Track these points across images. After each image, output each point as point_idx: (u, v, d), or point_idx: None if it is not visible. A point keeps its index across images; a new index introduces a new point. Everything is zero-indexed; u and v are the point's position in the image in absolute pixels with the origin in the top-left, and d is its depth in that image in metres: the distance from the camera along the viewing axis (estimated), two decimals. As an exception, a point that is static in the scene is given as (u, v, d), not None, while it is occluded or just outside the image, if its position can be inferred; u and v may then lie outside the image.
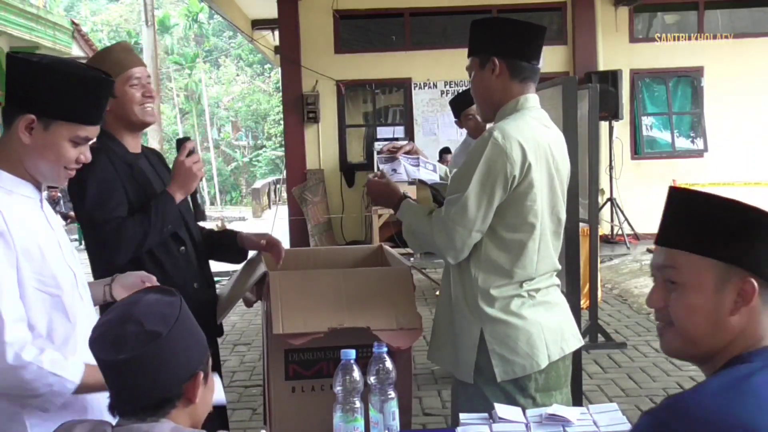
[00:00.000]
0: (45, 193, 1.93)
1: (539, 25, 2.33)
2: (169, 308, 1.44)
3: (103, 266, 2.40)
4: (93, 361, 1.51)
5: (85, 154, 1.86)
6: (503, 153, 2.16)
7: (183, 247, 2.55)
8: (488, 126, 2.42)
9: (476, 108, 2.63)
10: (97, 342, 1.42)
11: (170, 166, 2.60)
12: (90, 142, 1.88)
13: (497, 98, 2.31)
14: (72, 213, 11.91)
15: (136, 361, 1.37)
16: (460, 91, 6.23)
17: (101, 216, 2.37)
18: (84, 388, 1.78)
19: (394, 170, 2.48)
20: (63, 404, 1.78)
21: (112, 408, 1.44)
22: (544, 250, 2.27)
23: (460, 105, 4.75)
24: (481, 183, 2.17)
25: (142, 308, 1.43)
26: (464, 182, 2.19)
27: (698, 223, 1.31)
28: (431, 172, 2.54)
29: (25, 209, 1.81)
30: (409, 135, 10.22)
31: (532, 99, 2.31)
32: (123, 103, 2.47)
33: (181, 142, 2.51)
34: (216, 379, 1.71)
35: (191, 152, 2.48)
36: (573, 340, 2.33)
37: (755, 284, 1.27)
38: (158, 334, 1.39)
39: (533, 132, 2.23)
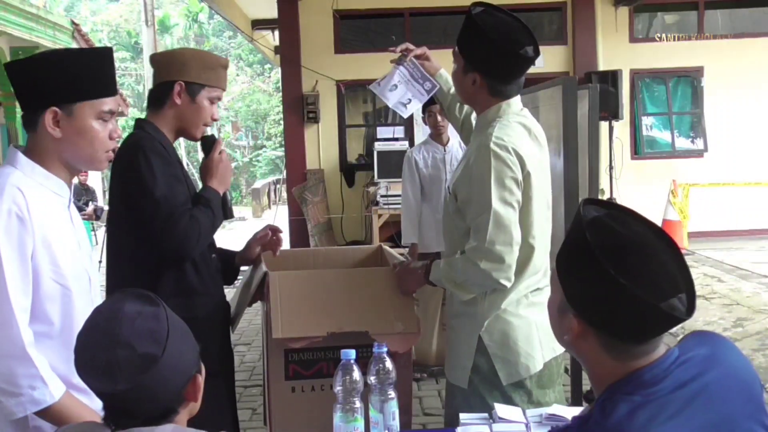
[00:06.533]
0: (76, 180, 1.95)
1: (529, 56, 2.18)
2: (156, 322, 1.33)
3: (147, 266, 2.28)
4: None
5: (116, 131, 1.90)
6: (506, 160, 2.15)
7: (214, 254, 2.51)
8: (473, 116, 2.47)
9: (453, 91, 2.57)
10: (86, 370, 1.32)
11: None
12: (116, 116, 1.91)
13: (474, 103, 2.34)
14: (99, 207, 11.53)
15: (136, 388, 1.29)
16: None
17: (176, 208, 2.25)
18: (55, 413, 1.71)
19: (395, 85, 2.51)
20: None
21: (109, 421, 1.35)
22: (543, 256, 2.29)
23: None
24: (500, 194, 2.14)
25: (126, 326, 1.31)
26: (483, 201, 2.14)
27: (566, 247, 1.34)
28: (419, 92, 2.53)
29: (51, 204, 1.84)
30: (409, 135, 10.18)
31: (514, 104, 2.28)
32: (195, 114, 2.40)
33: (210, 141, 2.47)
34: None
35: (221, 151, 2.46)
36: None
37: (576, 326, 1.31)
38: (154, 358, 1.29)
39: (521, 140, 2.22)
